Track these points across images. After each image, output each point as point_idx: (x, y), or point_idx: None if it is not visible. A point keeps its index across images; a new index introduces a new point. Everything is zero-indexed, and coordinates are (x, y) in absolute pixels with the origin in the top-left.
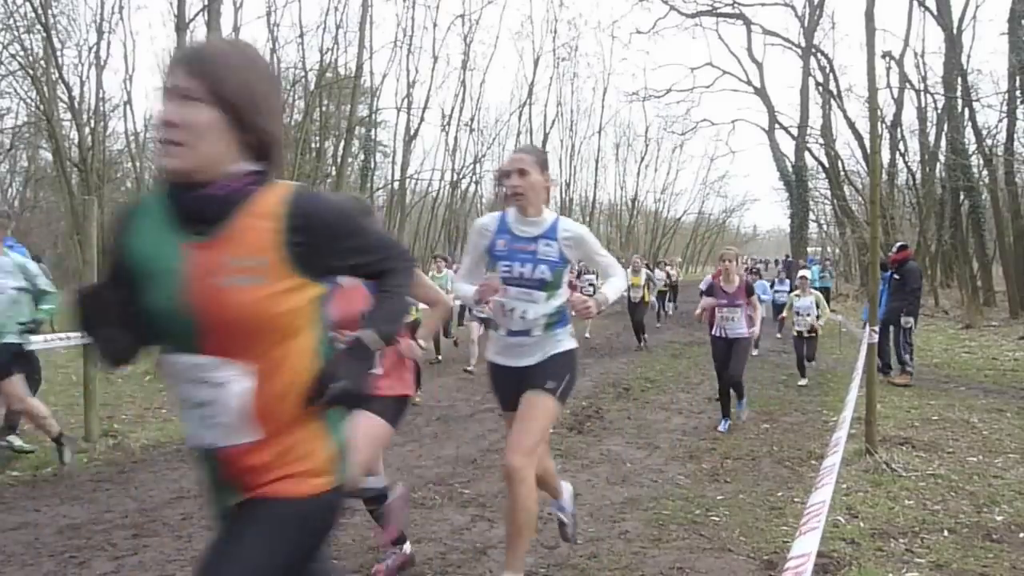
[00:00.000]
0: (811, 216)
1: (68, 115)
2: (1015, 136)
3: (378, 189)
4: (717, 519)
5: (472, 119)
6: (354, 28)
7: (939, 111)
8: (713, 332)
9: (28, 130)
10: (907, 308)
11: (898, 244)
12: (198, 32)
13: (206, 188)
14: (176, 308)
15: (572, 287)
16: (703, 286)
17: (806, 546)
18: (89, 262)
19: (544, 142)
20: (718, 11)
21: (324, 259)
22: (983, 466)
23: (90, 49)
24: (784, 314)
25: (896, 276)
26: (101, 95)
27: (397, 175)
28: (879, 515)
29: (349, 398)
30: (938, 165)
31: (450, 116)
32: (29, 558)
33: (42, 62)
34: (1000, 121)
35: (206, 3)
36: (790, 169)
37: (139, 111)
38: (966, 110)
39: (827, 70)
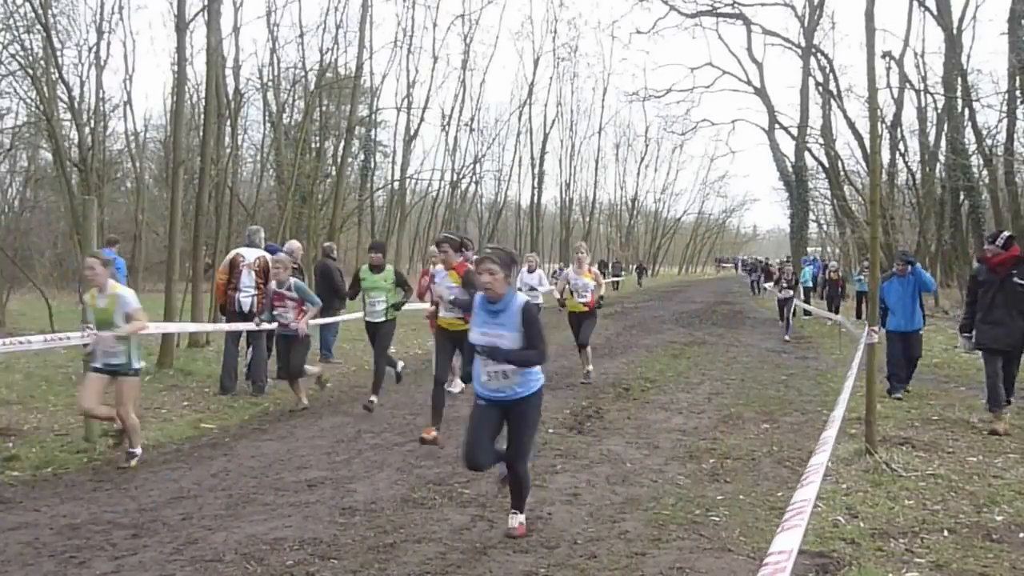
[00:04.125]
0: (811, 216)
1: (68, 115)
2: (1015, 136)
3: (378, 189)
4: (717, 519)
5: (472, 119)
6: (354, 28)
7: (939, 111)
8: None
9: (28, 130)
10: None
11: (1006, 235)
12: (198, 32)
13: None
14: None
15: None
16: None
17: (787, 543)
18: None
19: (544, 142)
20: (718, 11)
21: None
22: (983, 466)
23: (90, 49)
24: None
25: (1019, 280)
26: (101, 95)
27: (397, 175)
28: (879, 515)
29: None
30: (938, 165)
31: (450, 116)
32: (29, 558)
33: (42, 62)
34: (1000, 121)
35: (206, 3)
36: (790, 169)
37: (139, 111)
38: (966, 110)
39: (827, 70)
